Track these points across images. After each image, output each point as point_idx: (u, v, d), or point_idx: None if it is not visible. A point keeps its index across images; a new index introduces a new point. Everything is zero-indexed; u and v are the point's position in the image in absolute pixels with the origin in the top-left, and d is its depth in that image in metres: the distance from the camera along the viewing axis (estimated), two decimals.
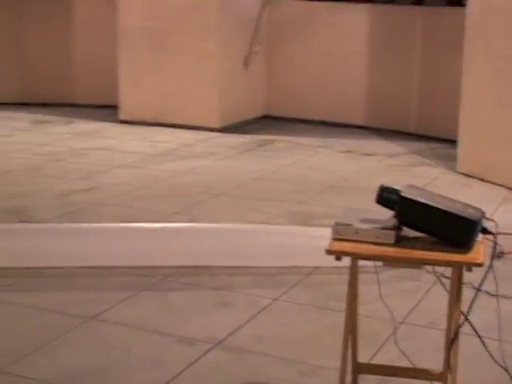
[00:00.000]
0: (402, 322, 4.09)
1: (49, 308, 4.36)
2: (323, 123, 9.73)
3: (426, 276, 3.88)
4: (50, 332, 4.06)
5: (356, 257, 3.00)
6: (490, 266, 2.92)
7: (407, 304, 4.39)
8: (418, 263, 2.95)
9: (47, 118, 10.14)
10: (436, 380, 3.28)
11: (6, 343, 3.95)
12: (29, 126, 9.73)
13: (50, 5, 11.28)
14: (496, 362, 3.36)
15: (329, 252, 2.92)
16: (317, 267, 4.81)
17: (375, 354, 3.77)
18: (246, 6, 9.70)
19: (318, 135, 9.18)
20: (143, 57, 9.61)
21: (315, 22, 9.82)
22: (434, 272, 3.15)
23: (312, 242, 4.75)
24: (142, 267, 4.92)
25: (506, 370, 3.38)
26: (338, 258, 2.94)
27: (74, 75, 11.04)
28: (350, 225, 2.98)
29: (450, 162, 7.81)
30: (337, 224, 2.99)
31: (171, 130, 9.34)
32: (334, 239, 2.97)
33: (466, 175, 7.42)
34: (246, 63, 9.71)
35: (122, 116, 9.80)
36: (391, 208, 2.97)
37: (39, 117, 10.18)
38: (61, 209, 6.27)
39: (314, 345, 3.96)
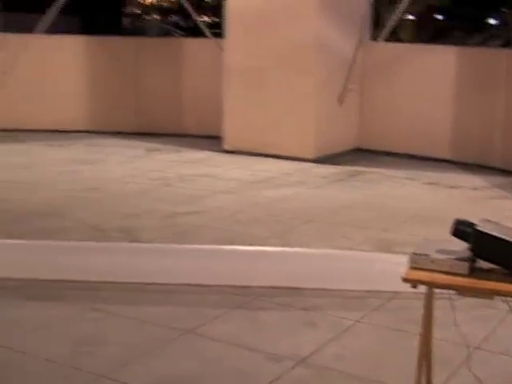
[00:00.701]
0: (476, 348, 3.97)
1: (149, 320, 4.38)
2: (410, 156, 9.60)
3: (501, 304, 3.75)
4: (150, 343, 4.08)
5: (431, 286, 2.93)
6: None
7: (482, 331, 4.26)
8: (491, 294, 2.87)
9: (159, 146, 10.29)
10: None
11: (110, 351, 3.98)
12: (143, 153, 9.88)
13: (164, 47, 11.52)
14: None
15: (405, 280, 2.88)
16: (397, 292, 4.72)
17: (449, 379, 3.67)
18: (341, 47, 9.67)
19: (404, 168, 9.07)
20: (246, 93, 9.66)
21: (405, 63, 9.74)
22: (508, 302, 3.05)
23: (394, 269, 4.64)
24: (236, 286, 4.91)
25: None
26: (414, 286, 2.90)
27: (183, 109, 11.18)
28: (427, 255, 2.92)
29: None
30: (414, 254, 2.93)
31: (270, 159, 9.35)
32: (411, 268, 2.92)
33: None
34: (341, 100, 9.67)
35: (226, 146, 9.86)
36: (466, 240, 2.90)
37: (152, 145, 10.33)
38: (166, 230, 6.32)
39: (391, 366, 3.87)
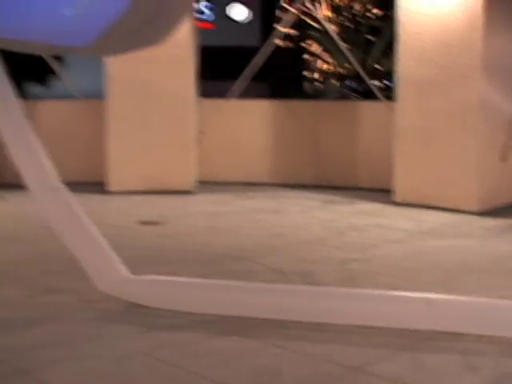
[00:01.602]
0: None
1: (322, 357, 4.42)
2: None
3: None
4: (322, 377, 4.11)
5: None
6: None
7: None
8: None
9: (335, 198, 10.37)
10: None
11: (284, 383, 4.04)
12: (320, 204, 9.98)
13: (341, 109, 11.67)
14: None
15: None
16: None
17: None
18: (503, 106, 9.46)
19: None
20: (415, 150, 9.62)
21: None
22: None
23: None
24: (400, 329, 4.87)
25: None
26: None
27: (358, 164, 11.25)
28: None
29: None
30: None
31: (436, 211, 9.21)
32: None
33: None
34: (503, 157, 9.43)
35: (395, 198, 9.82)
36: None
37: (328, 197, 10.42)
38: (339, 274, 6.36)
39: None
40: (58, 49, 6.68)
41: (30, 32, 5.01)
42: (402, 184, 9.78)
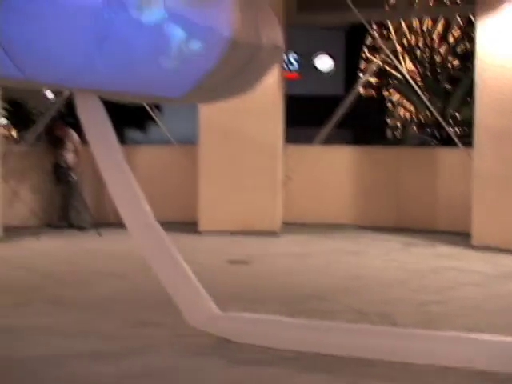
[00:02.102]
0: None
1: None
2: None
3: None
4: None
5: None
6: None
7: None
8: None
9: (414, 240, 10.22)
10: None
11: None
12: (400, 246, 9.86)
13: (420, 153, 11.59)
14: None
15: None
16: None
17: None
18: None
19: None
20: (492, 195, 9.45)
21: None
22: None
23: None
24: (478, 371, 4.76)
25: None
26: None
27: (437, 207, 11.08)
28: None
29: None
30: None
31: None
32: None
33: None
34: None
35: (474, 242, 9.62)
36: None
37: (408, 240, 10.28)
38: (419, 316, 6.25)
39: None
40: (154, 99, 6.86)
41: (130, 84, 5.16)
42: (481, 228, 9.59)
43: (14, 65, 4.42)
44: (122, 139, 21.15)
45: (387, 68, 21.74)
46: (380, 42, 15.48)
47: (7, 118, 26.40)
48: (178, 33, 4.62)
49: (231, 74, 5.42)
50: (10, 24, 4.11)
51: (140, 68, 4.83)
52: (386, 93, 25.62)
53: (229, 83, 5.61)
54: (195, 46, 4.78)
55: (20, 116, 30.46)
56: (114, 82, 5.00)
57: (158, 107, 19.79)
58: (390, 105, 25.60)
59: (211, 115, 10.47)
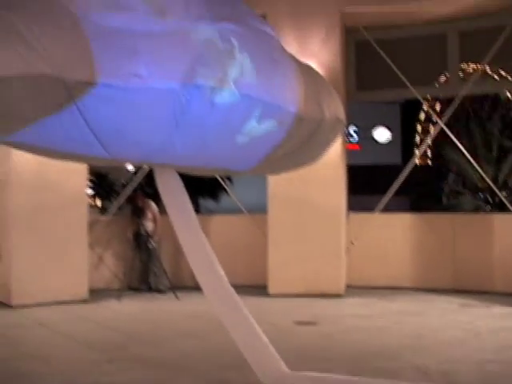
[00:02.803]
0: None
1: None
2: None
3: None
4: None
5: None
6: None
7: None
8: None
9: (471, 301, 9.97)
10: None
11: None
12: (457, 307, 9.62)
13: (475, 218, 11.39)
14: None
15: None
16: None
17: None
18: None
19: None
20: None
21: None
22: None
23: None
24: None
25: None
26: None
27: (492, 269, 10.82)
28: None
29: None
30: None
31: None
32: None
33: None
34: None
35: None
36: None
37: (465, 300, 10.04)
38: (479, 375, 6.05)
39: None
40: (225, 171, 6.96)
41: (204, 159, 5.26)
42: None
43: (102, 146, 4.56)
44: (197, 208, 21.41)
45: (441, 139, 21.62)
46: (433, 115, 15.43)
47: (92, 189, 27.06)
48: (248, 112, 4.71)
49: (297, 147, 5.48)
50: (100, 111, 4.25)
51: (213, 145, 4.93)
52: (440, 161, 25.41)
53: (294, 155, 5.67)
54: (265, 123, 4.87)
55: (103, 187, 31.19)
56: (190, 157, 5.11)
57: (229, 178, 20.02)
58: (445, 172, 25.35)
59: (279, 185, 10.54)
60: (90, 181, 16.51)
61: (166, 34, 4.48)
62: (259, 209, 11.90)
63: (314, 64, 9.33)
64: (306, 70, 5.58)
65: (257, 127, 4.82)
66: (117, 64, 4.21)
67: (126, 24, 4.36)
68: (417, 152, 12.30)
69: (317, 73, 5.97)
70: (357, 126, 25.85)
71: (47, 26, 4.06)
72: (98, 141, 4.48)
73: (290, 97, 5.00)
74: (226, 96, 4.58)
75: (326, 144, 5.91)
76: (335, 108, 5.58)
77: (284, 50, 5.44)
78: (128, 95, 4.25)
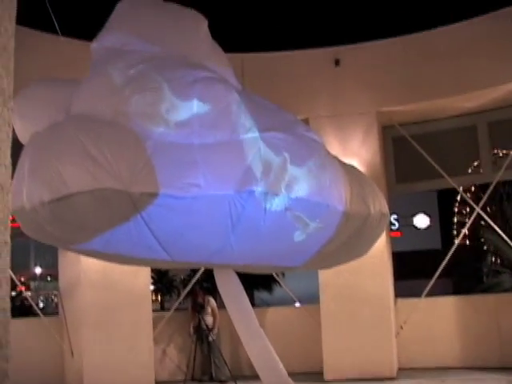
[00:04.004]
0: None
1: None
2: None
3: None
4: None
5: None
6: None
7: None
8: None
9: None
10: None
11: None
12: None
13: None
14: None
15: None
16: None
17: None
18: None
19: None
20: None
21: None
22: None
23: None
24: None
25: None
26: None
27: None
28: None
29: None
30: None
31: None
32: None
33: None
34: None
35: None
36: None
37: None
38: None
39: None
40: (278, 268, 6.89)
41: (258, 258, 5.23)
42: None
43: (164, 251, 4.57)
44: (252, 300, 21.20)
45: (478, 221, 21.25)
46: (468, 200, 15.23)
47: (153, 285, 27.13)
48: (300, 215, 4.70)
49: (346, 242, 5.42)
50: (162, 219, 4.29)
51: (267, 245, 4.91)
52: (477, 241, 24.93)
53: (344, 250, 5.61)
54: (315, 223, 4.84)
55: (164, 283, 31.28)
56: (246, 257, 5.10)
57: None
58: (482, 252, 24.81)
59: (329, 276, 10.38)
60: (151, 277, 16.58)
61: (219, 145, 4.56)
62: (310, 298, 11.70)
63: (355, 162, 9.36)
64: (350, 169, 5.59)
65: (307, 227, 4.79)
66: (177, 175, 4.27)
67: (183, 139, 4.45)
68: (456, 236, 12.02)
69: (359, 171, 5.98)
70: (397, 214, 25.65)
71: (112, 144, 4.17)
72: (160, 246, 4.50)
73: (338, 196, 4.99)
74: (278, 202, 4.60)
75: (373, 237, 5.84)
76: (379, 203, 5.55)
77: (328, 153, 5.47)
78: (188, 203, 4.30)
